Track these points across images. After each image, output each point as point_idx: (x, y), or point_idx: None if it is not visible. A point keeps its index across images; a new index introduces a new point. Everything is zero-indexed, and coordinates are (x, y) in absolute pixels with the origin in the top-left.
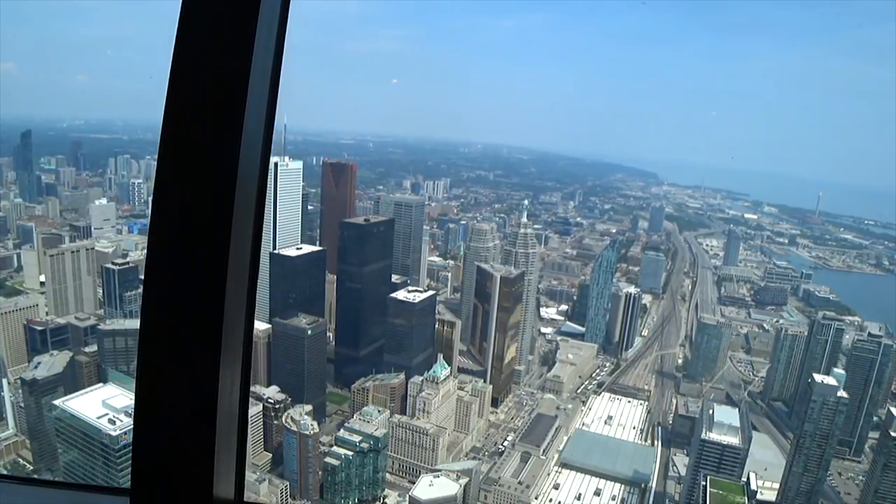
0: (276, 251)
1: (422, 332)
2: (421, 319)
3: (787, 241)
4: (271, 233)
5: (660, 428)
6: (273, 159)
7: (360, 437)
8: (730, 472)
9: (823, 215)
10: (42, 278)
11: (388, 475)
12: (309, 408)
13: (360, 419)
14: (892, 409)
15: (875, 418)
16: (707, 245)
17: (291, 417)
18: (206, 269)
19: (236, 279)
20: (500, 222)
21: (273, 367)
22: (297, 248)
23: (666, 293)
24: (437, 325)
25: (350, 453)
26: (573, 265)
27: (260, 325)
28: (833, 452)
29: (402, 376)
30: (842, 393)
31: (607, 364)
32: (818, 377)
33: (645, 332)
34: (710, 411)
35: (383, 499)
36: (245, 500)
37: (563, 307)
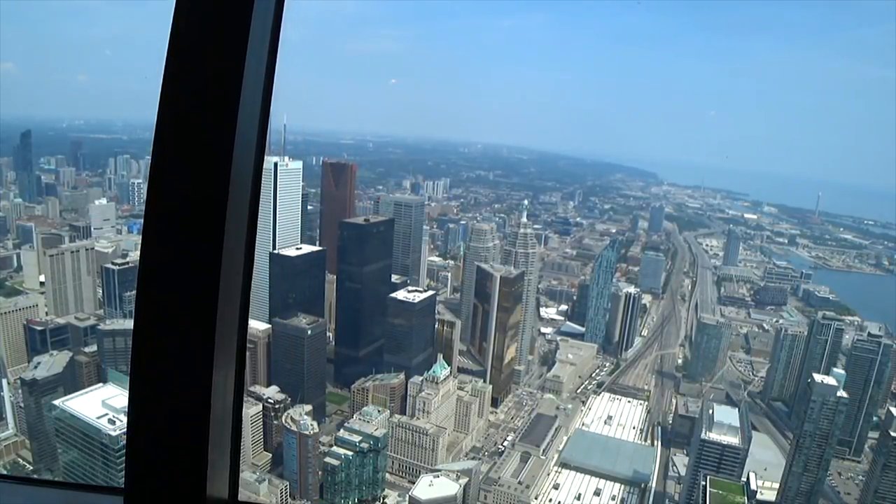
0: (275, 251)
1: (421, 332)
2: (421, 319)
3: (786, 240)
4: (271, 233)
5: (660, 428)
6: (273, 159)
7: (360, 437)
8: (729, 472)
9: (823, 215)
10: (42, 278)
11: (387, 475)
12: (309, 408)
13: (359, 419)
14: (892, 409)
15: (875, 418)
16: (707, 245)
17: (291, 417)
18: (200, 268)
19: (230, 279)
20: (500, 222)
21: (273, 367)
22: (297, 248)
23: (666, 293)
24: (436, 325)
25: (350, 453)
26: (573, 265)
27: (260, 325)
28: (833, 452)
29: (402, 376)
30: (841, 393)
31: (607, 364)
32: (818, 377)
33: (645, 332)
34: (710, 411)
35: (383, 499)
36: (239, 499)
37: (563, 307)
